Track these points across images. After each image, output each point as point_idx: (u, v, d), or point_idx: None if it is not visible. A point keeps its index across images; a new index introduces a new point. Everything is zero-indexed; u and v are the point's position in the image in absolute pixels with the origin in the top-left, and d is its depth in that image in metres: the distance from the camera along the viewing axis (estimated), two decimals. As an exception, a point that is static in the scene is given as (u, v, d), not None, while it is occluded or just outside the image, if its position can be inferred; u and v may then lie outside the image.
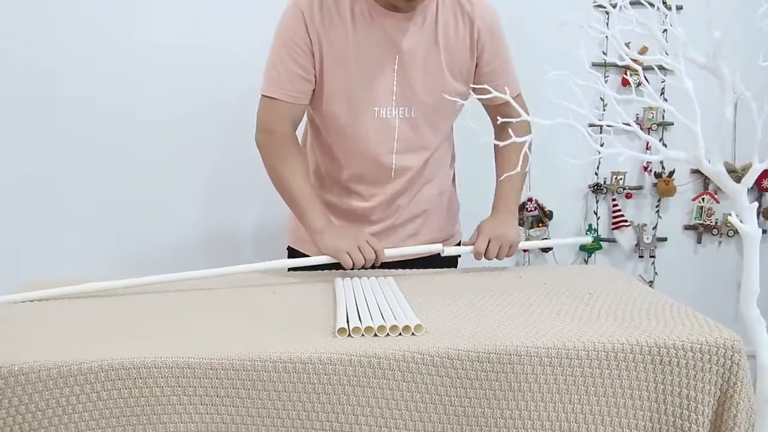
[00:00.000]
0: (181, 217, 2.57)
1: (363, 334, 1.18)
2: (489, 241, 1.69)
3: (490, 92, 1.11)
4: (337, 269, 1.68)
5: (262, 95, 1.72)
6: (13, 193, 2.50)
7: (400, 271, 1.69)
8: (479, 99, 1.72)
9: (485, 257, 1.69)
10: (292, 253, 1.91)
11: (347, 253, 1.59)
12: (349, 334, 1.19)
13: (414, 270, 1.71)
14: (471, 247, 1.70)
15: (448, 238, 1.92)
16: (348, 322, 1.22)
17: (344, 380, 1.11)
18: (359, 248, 1.60)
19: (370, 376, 1.11)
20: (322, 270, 1.72)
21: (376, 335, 1.18)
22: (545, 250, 2.75)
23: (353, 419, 1.12)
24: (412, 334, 1.18)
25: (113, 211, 2.54)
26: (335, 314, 1.30)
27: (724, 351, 1.15)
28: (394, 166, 1.75)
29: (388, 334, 1.18)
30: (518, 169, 1.44)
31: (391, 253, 1.66)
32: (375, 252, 1.61)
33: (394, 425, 1.12)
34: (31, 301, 1.45)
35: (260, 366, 1.10)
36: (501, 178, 1.81)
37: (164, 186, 2.55)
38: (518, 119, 1.02)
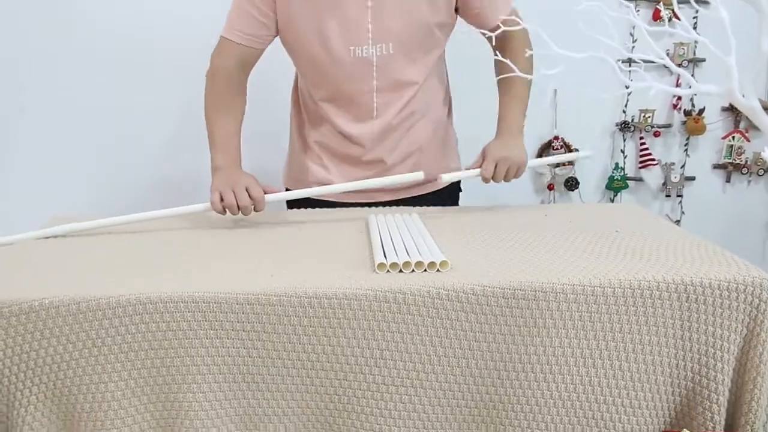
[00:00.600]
0: (184, 162, 2.57)
1: (389, 270, 1.19)
2: (496, 165, 1.64)
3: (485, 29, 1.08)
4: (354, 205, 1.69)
5: (220, 36, 1.72)
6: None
7: (421, 208, 1.68)
8: (471, 25, 1.69)
9: (493, 180, 1.64)
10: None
11: (219, 192, 1.54)
12: (388, 270, 1.19)
13: (439, 208, 1.70)
14: (476, 171, 1.64)
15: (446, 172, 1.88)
16: (385, 257, 1.22)
17: (369, 315, 1.11)
18: (234, 192, 1.54)
19: (395, 312, 1.12)
20: (344, 206, 1.73)
21: (401, 271, 1.19)
22: (562, 169, 2.69)
23: (378, 354, 1.13)
24: (438, 270, 1.18)
25: (122, 149, 2.56)
26: (371, 250, 1.30)
27: (752, 289, 1.14)
28: (375, 105, 1.72)
29: (413, 270, 1.19)
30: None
31: (370, 184, 1.61)
32: (253, 198, 1.54)
33: (419, 360, 1.13)
34: (53, 237, 1.47)
35: (285, 301, 1.11)
36: (504, 97, 1.75)
37: (170, 134, 2.56)
38: (517, 28, 0.98)
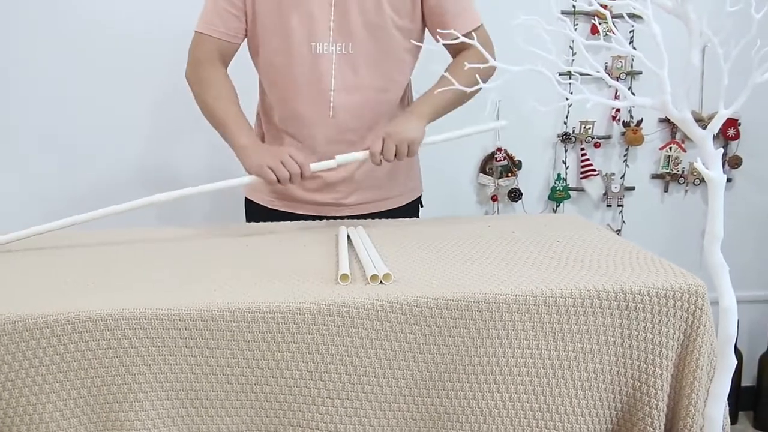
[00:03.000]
0: (135, 170, 2.53)
1: (339, 283, 1.19)
2: (384, 140, 1.58)
3: (453, 36, 1.09)
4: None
5: (195, 31, 1.73)
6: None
7: (369, 221, 1.69)
8: (436, 37, 1.69)
9: (384, 158, 1.58)
10: (248, 203, 1.90)
11: (270, 168, 1.55)
12: (350, 282, 1.20)
13: (383, 220, 1.71)
14: (367, 152, 1.60)
15: (406, 192, 1.89)
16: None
17: (313, 329, 1.11)
18: (282, 162, 1.55)
19: (340, 325, 1.11)
20: (289, 220, 1.72)
21: (338, 283, 1.19)
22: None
23: (323, 368, 1.12)
24: (381, 283, 1.18)
25: (60, 153, 2.51)
26: (317, 264, 1.31)
27: (688, 296, 1.16)
28: (332, 104, 1.71)
29: (368, 282, 1.19)
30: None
31: (317, 167, 1.59)
32: (299, 165, 1.56)
33: (363, 373, 1.13)
34: None
35: (229, 316, 1.10)
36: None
37: (115, 137, 2.52)
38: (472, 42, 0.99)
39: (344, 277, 1.20)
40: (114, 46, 2.44)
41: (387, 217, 1.77)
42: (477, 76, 1.04)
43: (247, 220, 1.89)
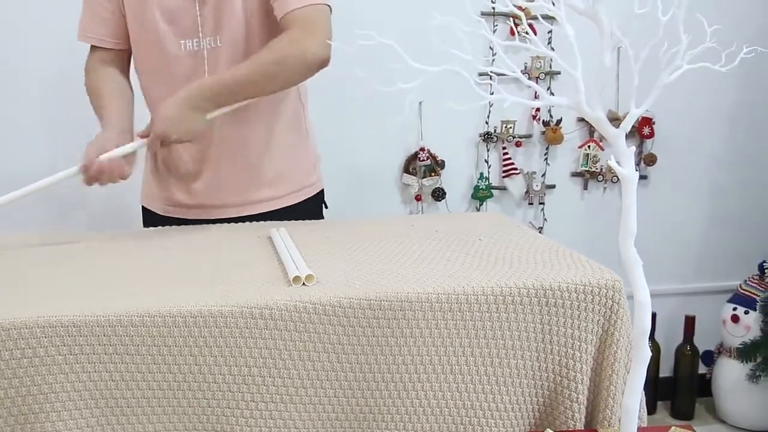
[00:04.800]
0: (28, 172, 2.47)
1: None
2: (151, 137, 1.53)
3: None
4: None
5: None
6: None
7: (287, 222, 1.67)
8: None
9: (151, 151, 1.60)
10: (145, 211, 1.87)
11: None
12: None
13: (300, 222, 1.69)
14: (140, 143, 1.54)
15: (300, 188, 1.85)
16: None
17: (236, 332, 1.10)
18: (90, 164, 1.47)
19: (262, 327, 1.11)
20: (209, 224, 1.70)
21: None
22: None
23: (246, 371, 1.11)
24: (303, 284, 1.18)
25: None
26: (235, 267, 1.30)
27: (605, 291, 1.19)
28: None
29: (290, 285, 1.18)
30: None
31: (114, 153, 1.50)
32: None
33: (287, 375, 1.13)
34: None
35: (148, 321, 1.08)
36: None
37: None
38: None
39: (296, 279, 1.18)
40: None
41: (286, 217, 1.73)
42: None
43: (144, 227, 1.85)
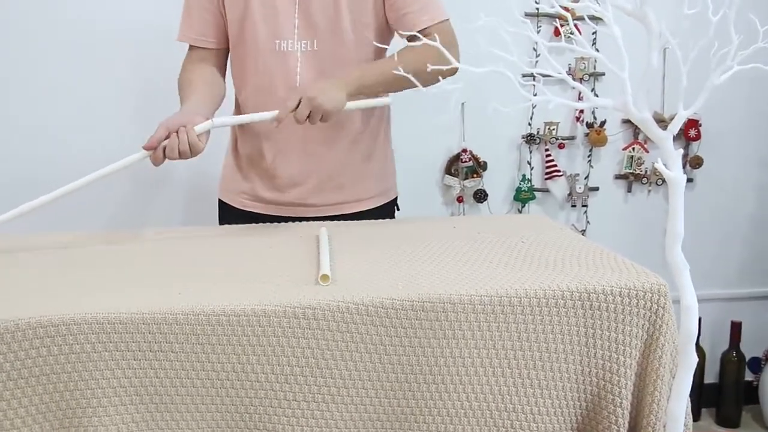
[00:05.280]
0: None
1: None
2: (300, 101, 1.52)
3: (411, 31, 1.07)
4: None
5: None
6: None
7: (335, 223, 1.68)
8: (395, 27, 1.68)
9: (296, 118, 1.52)
10: (222, 206, 1.90)
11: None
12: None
13: (349, 222, 1.71)
14: (274, 113, 1.54)
15: (379, 194, 1.88)
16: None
17: (278, 332, 1.11)
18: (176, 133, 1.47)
19: (304, 327, 1.11)
20: (257, 223, 1.72)
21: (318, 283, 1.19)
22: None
23: (288, 370, 1.12)
24: (317, 283, 1.19)
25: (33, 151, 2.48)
26: (282, 266, 1.31)
27: (650, 295, 1.18)
28: None
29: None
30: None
31: (199, 128, 1.50)
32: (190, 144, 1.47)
33: (329, 375, 1.13)
34: None
35: (193, 319, 1.09)
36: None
37: (95, 137, 2.49)
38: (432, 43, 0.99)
39: (324, 277, 1.19)
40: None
41: (361, 220, 1.76)
42: (426, 70, 1.03)
43: (220, 222, 1.88)
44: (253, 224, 1.72)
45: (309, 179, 1.78)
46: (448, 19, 1.69)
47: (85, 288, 1.21)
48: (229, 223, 1.80)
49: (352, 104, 1.58)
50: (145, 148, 1.45)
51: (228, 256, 1.43)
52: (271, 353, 1.11)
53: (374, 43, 1.69)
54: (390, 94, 1.71)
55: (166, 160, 1.47)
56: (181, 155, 1.46)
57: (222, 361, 1.11)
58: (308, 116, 1.51)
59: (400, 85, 1.58)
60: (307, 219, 1.76)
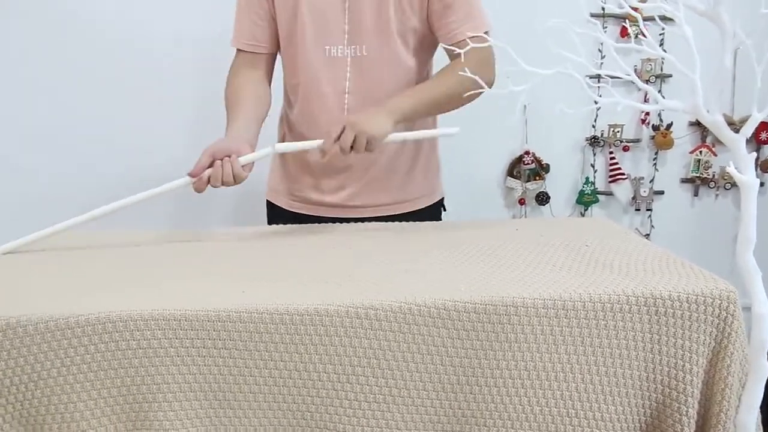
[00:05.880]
0: (163, 167, 2.57)
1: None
2: (344, 129, 1.50)
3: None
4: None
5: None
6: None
7: (398, 224, 1.69)
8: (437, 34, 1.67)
9: (340, 146, 1.49)
10: (270, 206, 1.92)
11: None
12: None
13: (409, 223, 1.71)
14: (319, 141, 1.52)
15: (425, 194, 1.88)
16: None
17: (341, 332, 1.11)
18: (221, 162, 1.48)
19: (367, 328, 1.11)
20: (309, 222, 1.73)
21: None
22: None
23: (350, 370, 1.12)
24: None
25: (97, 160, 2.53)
26: (345, 267, 1.31)
27: (719, 302, 1.15)
28: (347, 107, 1.70)
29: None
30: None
31: (247, 159, 1.51)
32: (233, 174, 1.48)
33: (390, 376, 1.13)
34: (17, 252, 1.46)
35: (257, 318, 1.10)
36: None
37: (145, 136, 2.54)
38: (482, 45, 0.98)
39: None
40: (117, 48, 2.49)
41: (407, 221, 1.76)
42: (478, 79, 1.03)
43: (268, 223, 1.90)
44: (309, 224, 1.74)
45: (355, 181, 1.79)
46: (487, 32, 1.66)
47: (154, 285, 1.23)
48: (276, 223, 1.82)
49: (397, 135, 1.56)
50: (191, 175, 1.48)
51: (287, 257, 1.44)
52: (333, 353, 1.12)
53: (419, 49, 1.70)
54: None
55: (209, 186, 1.50)
56: (224, 185, 1.49)
57: (285, 360, 1.12)
58: (352, 146, 1.49)
59: (439, 110, 1.63)
60: (354, 220, 1.77)
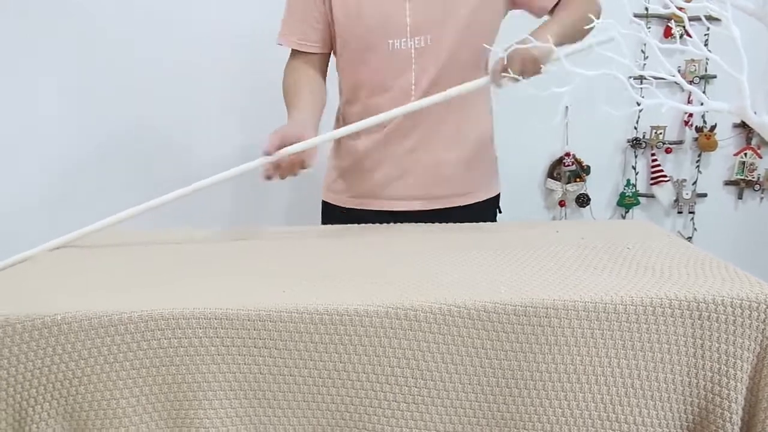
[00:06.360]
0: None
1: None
2: (506, 58, 1.45)
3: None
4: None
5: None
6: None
7: (439, 225, 1.68)
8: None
9: (511, 73, 1.42)
10: (325, 206, 1.92)
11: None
12: None
13: (452, 225, 1.70)
14: (481, 80, 1.51)
15: (483, 187, 1.88)
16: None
17: (380, 332, 1.11)
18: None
19: (406, 328, 1.11)
20: (354, 224, 1.73)
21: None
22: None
23: (389, 371, 1.12)
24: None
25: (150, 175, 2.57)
26: (384, 268, 1.32)
27: (764, 307, 1.13)
28: (413, 98, 1.69)
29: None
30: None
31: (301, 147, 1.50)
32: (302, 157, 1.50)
33: (429, 377, 1.13)
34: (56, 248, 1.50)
35: (297, 317, 1.11)
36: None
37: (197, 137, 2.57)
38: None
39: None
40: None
41: (464, 214, 1.77)
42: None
43: (323, 222, 1.91)
44: (354, 224, 1.74)
45: (410, 175, 1.79)
46: None
47: (195, 283, 1.25)
48: (331, 223, 1.83)
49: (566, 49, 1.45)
50: (267, 153, 1.48)
51: (329, 256, 1.44)
52: (372, 353, 1.12)
53: (486, 35, 1.69)
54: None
55: (276, 178, 1.51)
56: (291, 174, 1.51)
57: (324, 360, 1.12)
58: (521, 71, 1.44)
59: (574, 34, 1.54)
60: (411, 213, 1.78)
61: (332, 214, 1.88)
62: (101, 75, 2.52)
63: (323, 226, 1.77)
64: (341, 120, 1.85)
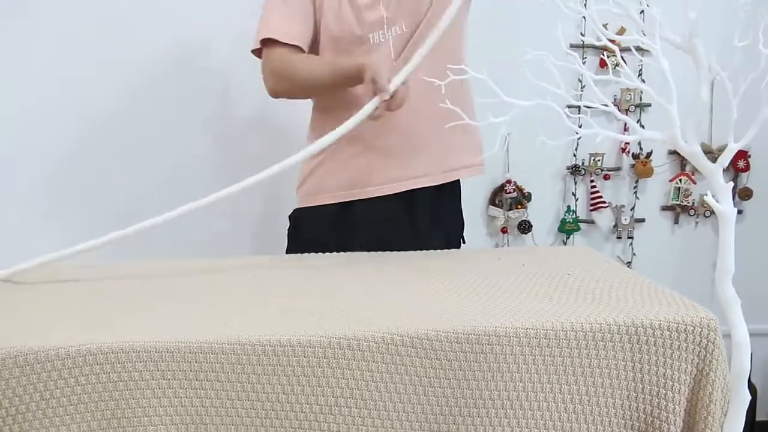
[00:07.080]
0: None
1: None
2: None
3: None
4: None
5: (261, 47, 1.74)
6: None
7: (380, 254, 1.68)
8: None
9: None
10: (300, 218, 1.90)
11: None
12: None
13: (393, 253, 1.70)
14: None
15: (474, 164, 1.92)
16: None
17: (323, 362, 1.11)
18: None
19: (349, 358, 1.11)
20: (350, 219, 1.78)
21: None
22: None
23: (333, 401, 1.12)
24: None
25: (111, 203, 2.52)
26: (328, 297, 1.31)
27: (700, 330, 1.15)
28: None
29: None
30: None
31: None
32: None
33: (373, 407, 1.12)
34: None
35: (239, 349, 1.10)
36: None
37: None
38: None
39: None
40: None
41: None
42: None
43: (294, 237, 1.89)
44: (296, 255, 1.73)
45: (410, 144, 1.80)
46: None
47: (134, 318, 1.23)
48: (316, 229, 1.83)
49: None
50: (383, 90, 1.51)
51: (273, 287, 1.44)
52: (315, 384, 1.11)
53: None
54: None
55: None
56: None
57: (267, 391, 1.11)
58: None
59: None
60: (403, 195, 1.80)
61: (313, 218, 1.86)
62: (85, 73, 2.47)
63: (261, 256, 1.75)
64: (317, 112, 1.86)
